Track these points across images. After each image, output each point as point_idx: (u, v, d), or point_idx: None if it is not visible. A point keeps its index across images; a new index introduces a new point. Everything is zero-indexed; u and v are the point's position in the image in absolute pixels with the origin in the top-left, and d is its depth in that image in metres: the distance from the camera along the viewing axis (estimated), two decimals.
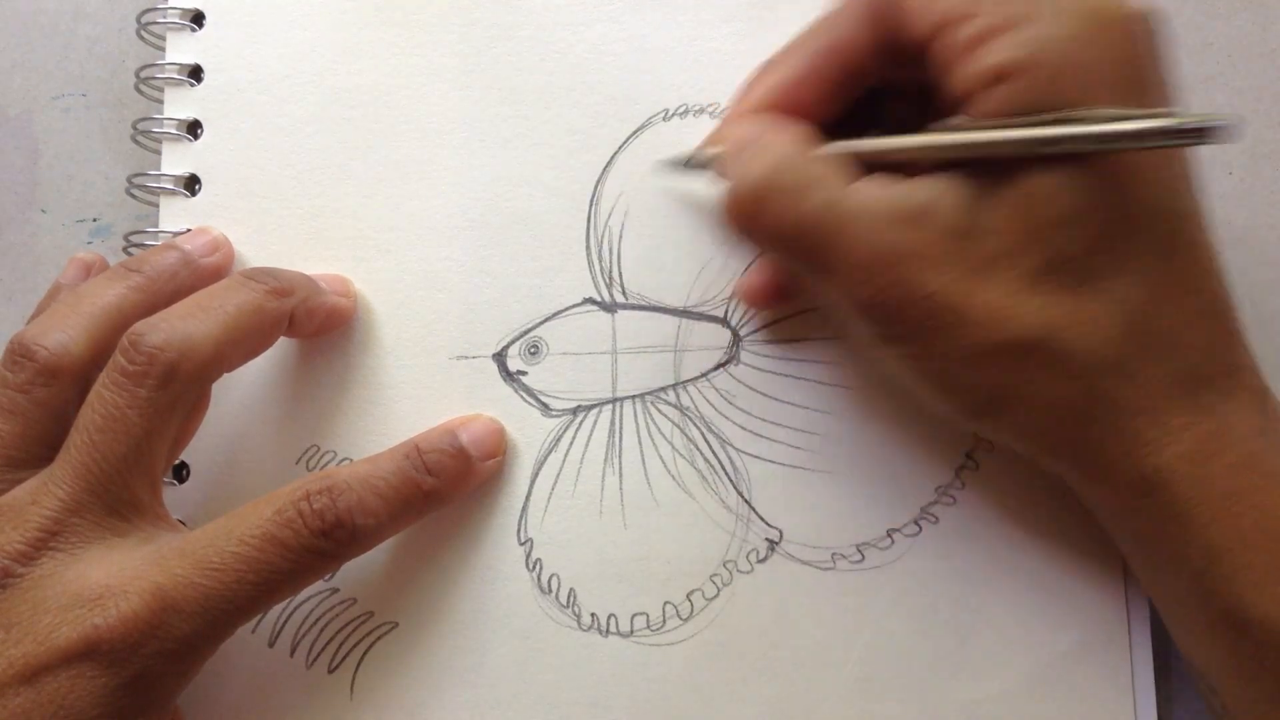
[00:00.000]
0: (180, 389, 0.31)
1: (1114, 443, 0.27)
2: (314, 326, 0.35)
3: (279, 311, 0.33)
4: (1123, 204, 0.26)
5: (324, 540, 0.30)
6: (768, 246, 0.30)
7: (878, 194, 0.28)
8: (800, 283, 0.34)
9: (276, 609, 0.35)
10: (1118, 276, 0.27)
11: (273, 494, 0.31)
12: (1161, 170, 0.27)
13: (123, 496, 0.30)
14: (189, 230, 0.37)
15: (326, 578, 0.35)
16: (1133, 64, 0.26)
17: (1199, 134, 0.24)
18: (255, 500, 0.31)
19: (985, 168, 0.27)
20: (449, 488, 0.33)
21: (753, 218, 0.29)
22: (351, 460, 0.36)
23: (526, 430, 0.35)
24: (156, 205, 0.38)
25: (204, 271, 0.35)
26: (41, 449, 0.31)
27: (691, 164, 0.34)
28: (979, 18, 0.27)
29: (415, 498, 0.32)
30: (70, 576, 0.29)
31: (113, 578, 0.29)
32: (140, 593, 0.28)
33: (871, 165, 0.29)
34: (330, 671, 0.35)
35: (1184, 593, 0.28)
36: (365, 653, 0.35)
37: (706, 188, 0.35)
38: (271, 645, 0.35)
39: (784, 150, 0.29)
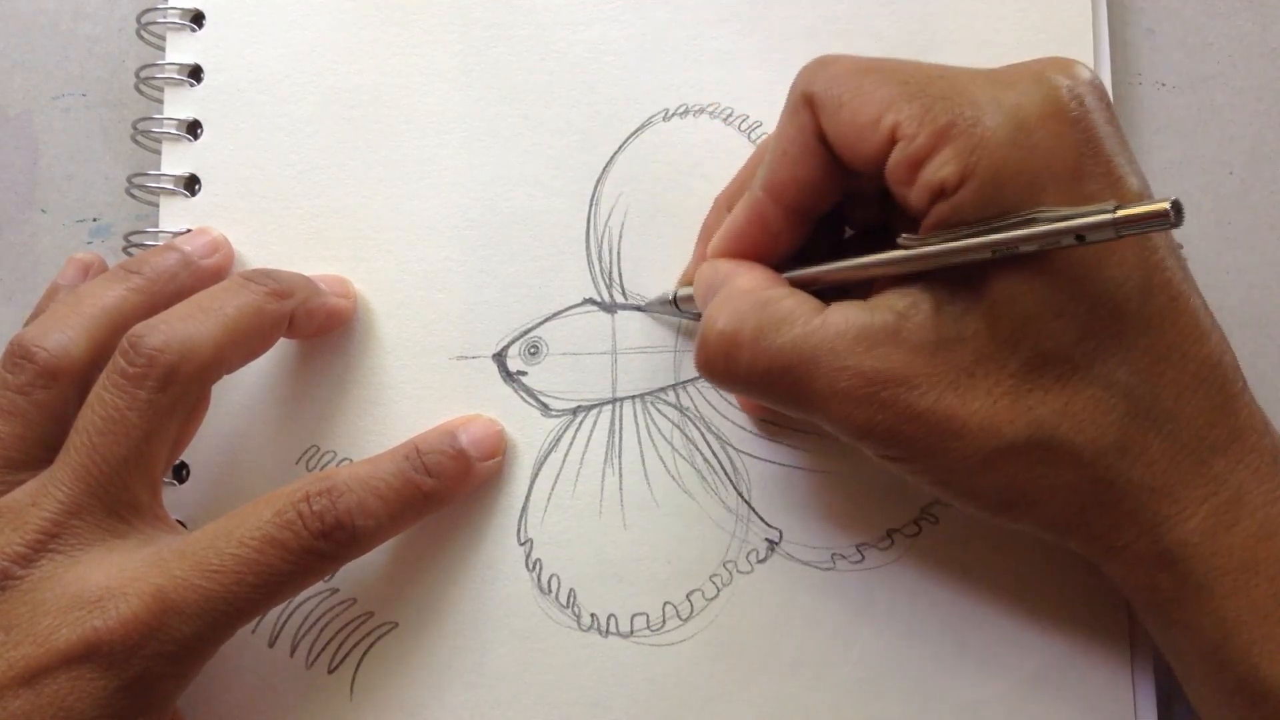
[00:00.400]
0: (180, 391, 0.31)
1: (1129, 523, 0.27)
2: (314, 327, 0.35)
3: (279, 313, 0.33)
4: (1093, 291, 0.26)
5: (324, 542, 0.30)
6: (747, 392, 0.30)
7: (846, 320, 0.27)
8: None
9: (276, 609, 0.35)
10: (1103, 361, 0.26)
11: (272, 495, 0.31)
12: (1128, 249, 0.26)
13: (122, 498, 0.30)
14: (189, 231, 0.37)
15: (326, 579, 0.35)
16: (1062, 156, 0.26)
17: (1135, 223, 0.24)
18: (255, 501, 0.31)
19: (949, 277, 0.27)
20: (449, 488, 0.33)
21: (727, 365, 0.28)
22: (351, 460, 0.36)
23: (526, 430, 0.35)
24: (156, 205, 0.38)
25: (204, 272, 0.35)
26: (41, 450, 0.31)
27: (676, 305, 0.34)
28: (902, 142, 0.26)
29: (415, 499, 0.32)
30: (70, 579, 0.29)
31: (112, 580, 0.29)
32: (140, 595, 0.28)
33: (841, 291, 0.29)
34: (330, 672, 0.35)
35: (1201, 661, 0.27)
36: (365, 653, 0.35)
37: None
38: (271, 645, 0.35)
39: (747, 294, 0.29)
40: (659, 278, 0.36)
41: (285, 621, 0.35)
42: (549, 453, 0.35)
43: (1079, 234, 0.24)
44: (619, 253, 0.36)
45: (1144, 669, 0.33)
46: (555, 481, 0.35)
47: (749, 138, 0.36)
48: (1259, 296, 0.35)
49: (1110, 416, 0.26)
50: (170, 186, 0.38)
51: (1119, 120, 0.27)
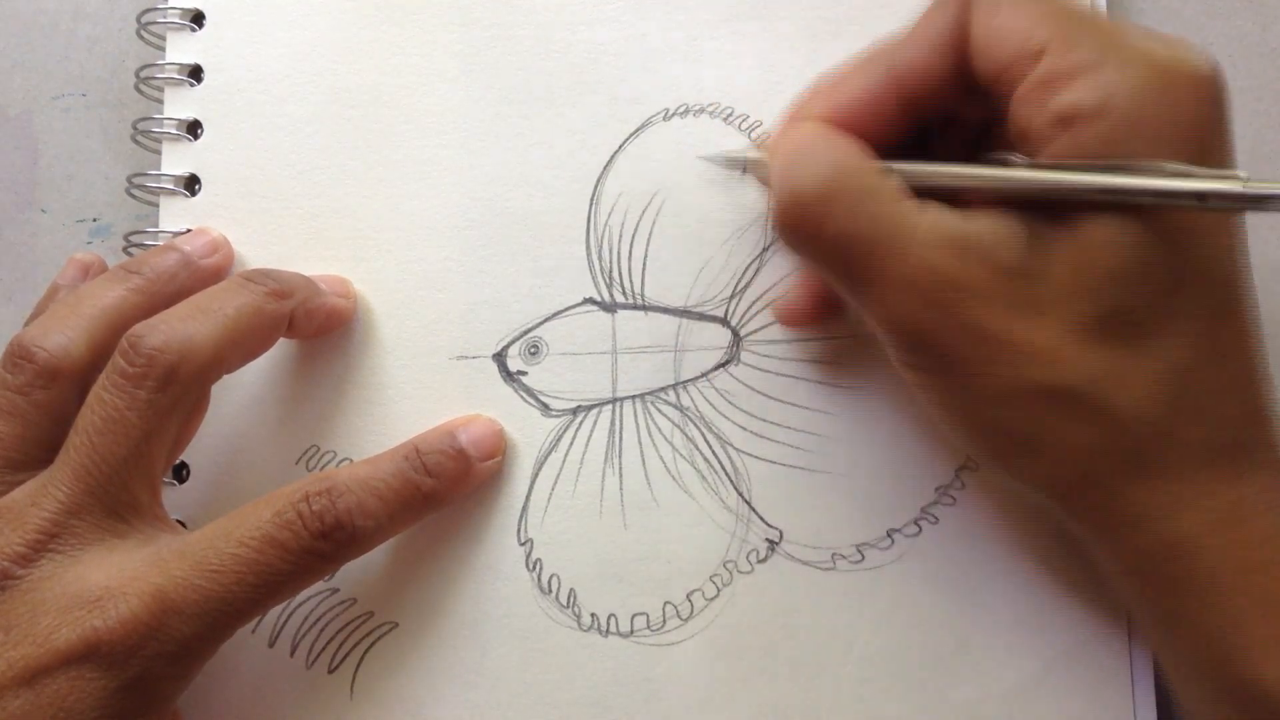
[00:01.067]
0: (180, 391, 0.31)
1: (1139, 501, 0.27)
2: (314, 328, 0.35)
3: (278, 313, 0.33)
4: (1179, 263, 0.26)
5: (323, 542, 0.30)
6: (814, 256, 0.29)
7: (934, 218, 0.27)
8: (841, 304, 0.33)
9: (276, 609, 0.35)
10: (1167, 335, 0.26)
11: (272, 495, 0.31)
12: (1217, 233, 0.27)
13: (122, 498, 0.30)
14: (189, 231, 0.37)
15: (326, 579, 0.35)
16: (1199, 123, 0.26)
17: (1265, 200, 0.24)
18: (254, 501, 0.31)
19: (1044, 209, 0.27)
20: (448, 489, 0.33)
21: (805, 223, 0.28)
22: (351, 460, 0.36)
23: (526, 430, 0.35)
24: (156, 205, 0.38)
25: (204, 273, 0.35)
26: (41, 451, 0.31)
27: (739, 165, 0.33)
28: (1049, 59, 0.26)
29: (415, 499, 0.32)
30: (70, 578, 0.29)
31: (112, 580, 0.29)
32: (140, 595, 0.28)
33: (925, 193, 0.28)
34: (330, 672, 0.35)
35: (1196, 659, 0.27)
36: (365, 653, 0.35)
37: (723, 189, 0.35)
38: (271, 645, 0.35)
39: (843, 158, 0.28)
40: (660, 277, 0.36)
41: (285, 621, 0.35)
42: (549, 453, 0.35)
43: (1203, 195, 0.24)
44: (619, 252, 0.36)
45: (1143, 670, 0.33)
46: (555, 481, 0.35)
47: (749, 137, 0.36)
48: (1259, 297, 0.35)
49: (1155, 391, 0.26)
50: (170, 186, 0.38)
51: None
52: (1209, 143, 0.26)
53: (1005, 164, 0.27)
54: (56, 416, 0.31)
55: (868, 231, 0.27)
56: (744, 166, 0.33)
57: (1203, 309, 0.27)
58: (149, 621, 0.28)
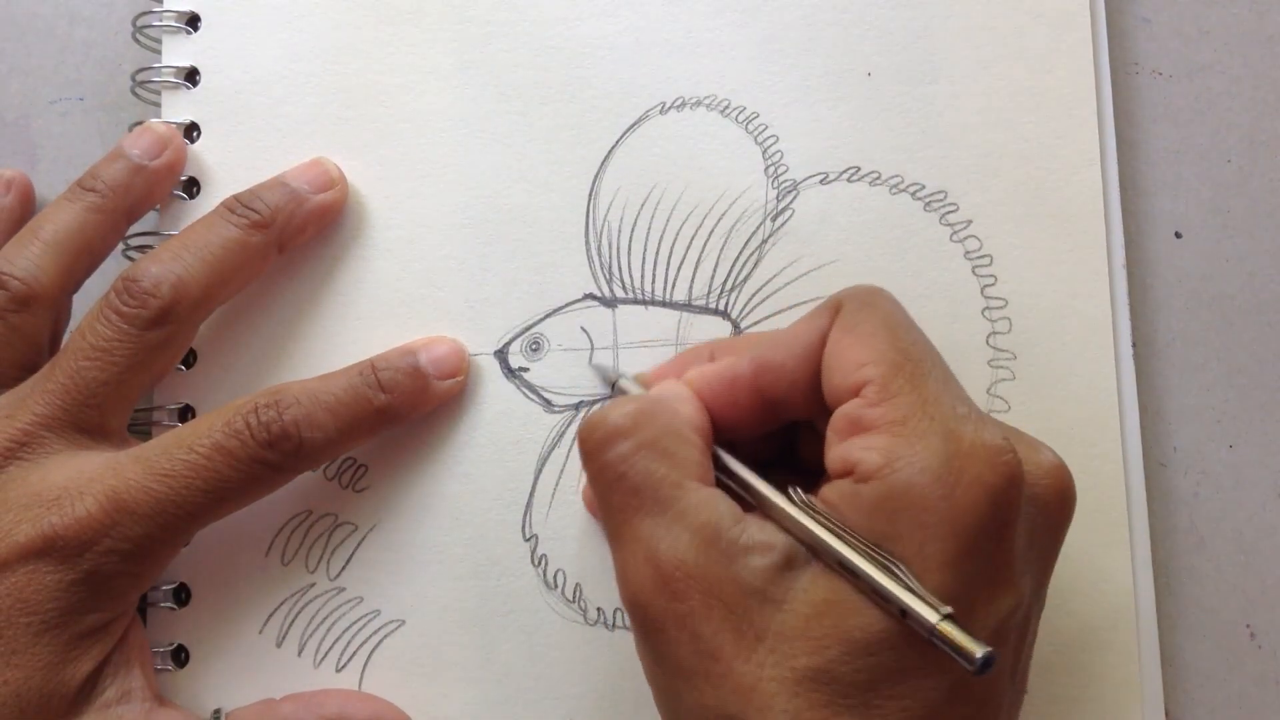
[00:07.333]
0: (173, 329, 0.33)
1: None
2: (305, 237, 0.36)
3: (263, 245, 0.34)
4: (908, 652, 0.24)
5: (270, 451, 0.31)
6: (591, 480, 0.29)
7: (706, 499, 0.26)
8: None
9: (282, 610, 0.35)
10: (882, 711, 0.24)
11: (225, 406, 0.32)
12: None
13: (94, 420, 0.32)
14: (138, 124, 0.37)
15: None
16: (976, 526, 0.24)
17: (950, 645, 0.23)
18: (209, 412, 0.32)
19: (809, 546, 0.26)
20: (403, 405, 0.34)
21: (594, 447, 0.28)
22: (367, 468, 0.36)
23: (530, 426, 0.35)
24: (156, 208, 0.38)
25: (157, 175, 0.36)
26: (14, 371, 0.33)
27: (609, 383, 0.34)
28: (858, 402, 0.26)
29: (366, 414, 0.33)
30: (33, 480, 0.31)
31: (70, 481, 0.31)
32: (95, 495, 0.30)
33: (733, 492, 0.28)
34: (338, 671, 0.35)
35: None
36: (372, 651, 0.35)
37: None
38: (279, 645, 0.35)
39: (658, 403, 0.28)
40: (659, 271, 0.36)
41: (292, 621, 0.35)
42: (552, 449, 0.35)
43: (902, 610, 0.24)
44: (618, 247, 0.36)
45: (1151, 655, 0.33)
46: (559, 477, 0.35)
47: (746, 129, 0.36)
48: (1258, 285, 0.36)
49: None
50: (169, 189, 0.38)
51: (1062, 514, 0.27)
52: (982, 550, 0.25)
53: (793, 496, 0.26)
54: (30, 339, 0.33)
55: (636, 481, 0.27)
56: (612, 386, 0.33)
57: (932, 692, 0.24)
58: (103, 520, 0.30)
